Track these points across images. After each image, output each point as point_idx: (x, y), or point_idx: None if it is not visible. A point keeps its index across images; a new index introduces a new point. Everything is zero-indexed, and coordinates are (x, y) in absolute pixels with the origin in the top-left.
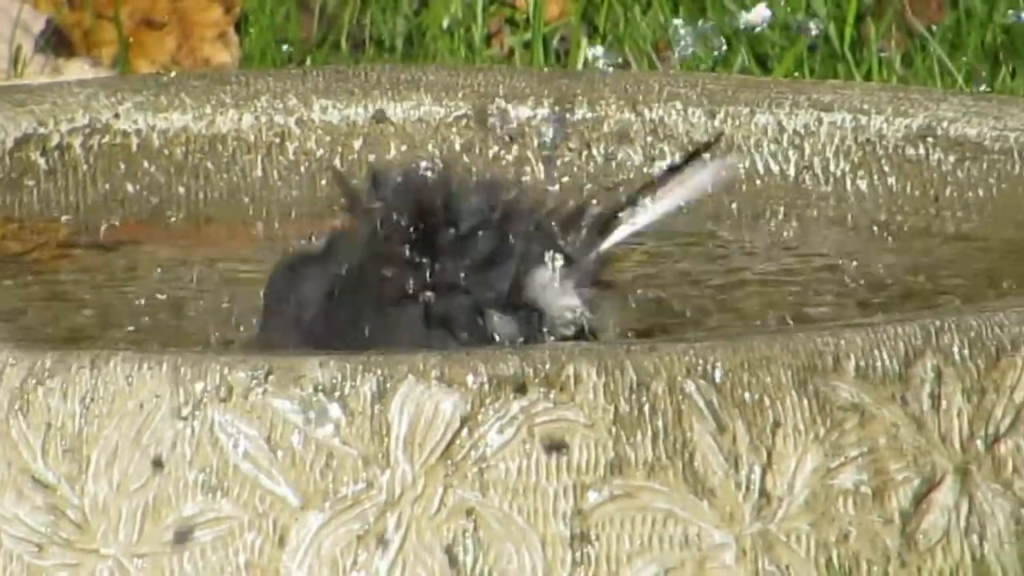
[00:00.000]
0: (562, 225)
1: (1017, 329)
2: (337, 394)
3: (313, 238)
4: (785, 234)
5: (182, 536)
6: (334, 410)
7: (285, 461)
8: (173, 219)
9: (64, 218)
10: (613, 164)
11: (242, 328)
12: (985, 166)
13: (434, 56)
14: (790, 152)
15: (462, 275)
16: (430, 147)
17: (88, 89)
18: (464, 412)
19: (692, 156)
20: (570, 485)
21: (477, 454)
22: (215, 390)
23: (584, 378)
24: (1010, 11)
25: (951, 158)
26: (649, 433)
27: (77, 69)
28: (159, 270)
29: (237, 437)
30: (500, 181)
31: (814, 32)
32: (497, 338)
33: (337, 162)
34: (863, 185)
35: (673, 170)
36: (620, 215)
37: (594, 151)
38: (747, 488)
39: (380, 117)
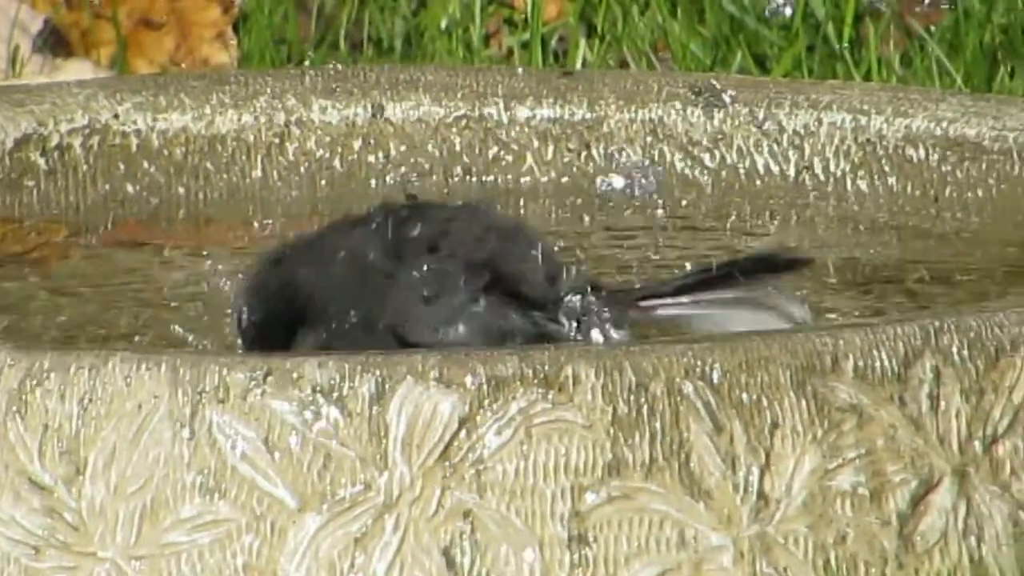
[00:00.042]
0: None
1: (1016, 329)
2: (335, 395)
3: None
4: (785, 234)
5: None
6: (332, 411)
7: (283, 463)
8: (173, 220)
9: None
10: (614, 164)
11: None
12: (984, 166)
13: (432, 56)
14: (790, 152)
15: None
16: (429, 147)
17: (87, 89)
18: (462, 413)
19: (763, 268)
20: (568, 487)
21: (475, 456)
22: (213, 391)
23: (583, 379)
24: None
25: (950, 158)
26: (647, 434)
27: (75, 69)
28: (159, 271)
29: (235, 438)
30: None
31: (788, 13)
32: None
33: (337, 163)
34: (863, 185)
35: (730, 277)
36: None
37: (594, 151)
38: (745, 490)
39: (378, 111)
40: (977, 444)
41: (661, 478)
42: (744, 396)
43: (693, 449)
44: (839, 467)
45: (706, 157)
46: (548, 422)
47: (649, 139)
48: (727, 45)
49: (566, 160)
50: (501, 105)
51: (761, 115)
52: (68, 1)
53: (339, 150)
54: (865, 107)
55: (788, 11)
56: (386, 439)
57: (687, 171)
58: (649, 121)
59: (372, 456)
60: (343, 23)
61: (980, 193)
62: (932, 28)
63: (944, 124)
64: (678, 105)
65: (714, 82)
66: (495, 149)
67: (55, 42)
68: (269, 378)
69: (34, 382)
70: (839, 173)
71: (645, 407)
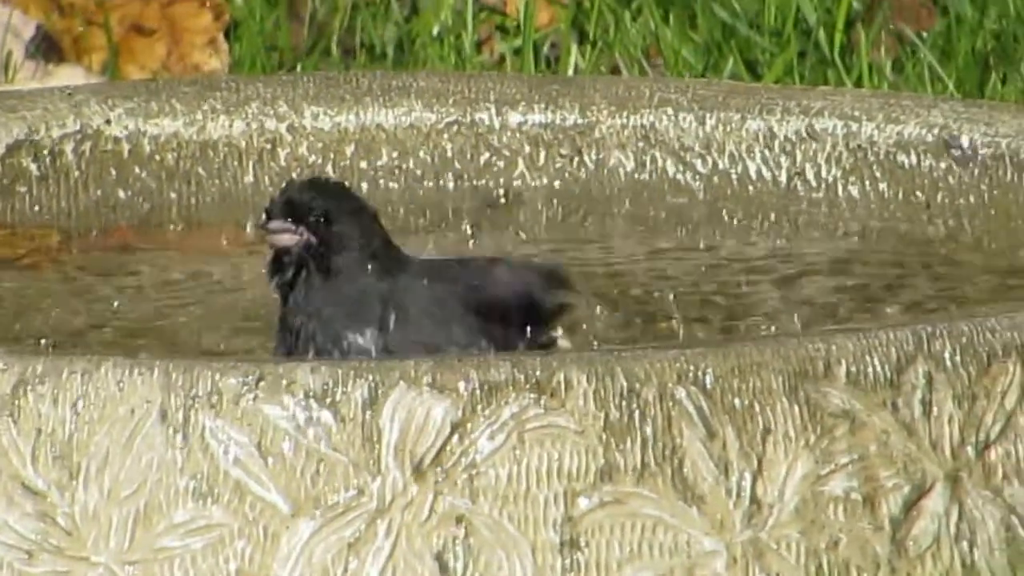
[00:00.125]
0: None
1: (1008, 335)
2: (328, 400)
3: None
4: (777, 240)
5: None
6: (325, 416)
7: (276, 468)
8: (165, 224)
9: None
10: (604, 170)
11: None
12: (976, 172)
13: (424, 63)
14: (781, 158)
15: None
16: (421, 153)
17: (79, 95)
18: (455, 418)
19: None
20: (560, 492)
21: (468, 461)
22: (206, 396)
23: (575, 384)
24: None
25: (942, 164)
26: (639, 440)
27: (67, 75)
28: (150, 275)
29: (228, 443)
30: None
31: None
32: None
33: (329, 168)
34: (855, 191)
35: None
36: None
37: (585, 157)
38: (737, 495)
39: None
40: (969, 449)
41: (653, 483)
42: (737, 401)
43: (686, 454)
44: (832, 472)
45: (698, 163)
46: (540, 427)
47: (641, 144)
48: (719, 51)
49: (558, 165)
50: (493, 111)
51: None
52: (60, 8)
53: (331, 156)
54: (856, 113)
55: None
56: (379, 444)
57: (679, 176)
58: (641, 127)
59: (365, 461)
60: (335, 29)
61: (972, 199)
62: (924, 34)
63: (936, 130)
64: (670, 111)
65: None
66: (487, 155)
67: (47, 48)
68: (262, 383)
69: (27, 387)
70: (831, 179)
71: (637, 412)
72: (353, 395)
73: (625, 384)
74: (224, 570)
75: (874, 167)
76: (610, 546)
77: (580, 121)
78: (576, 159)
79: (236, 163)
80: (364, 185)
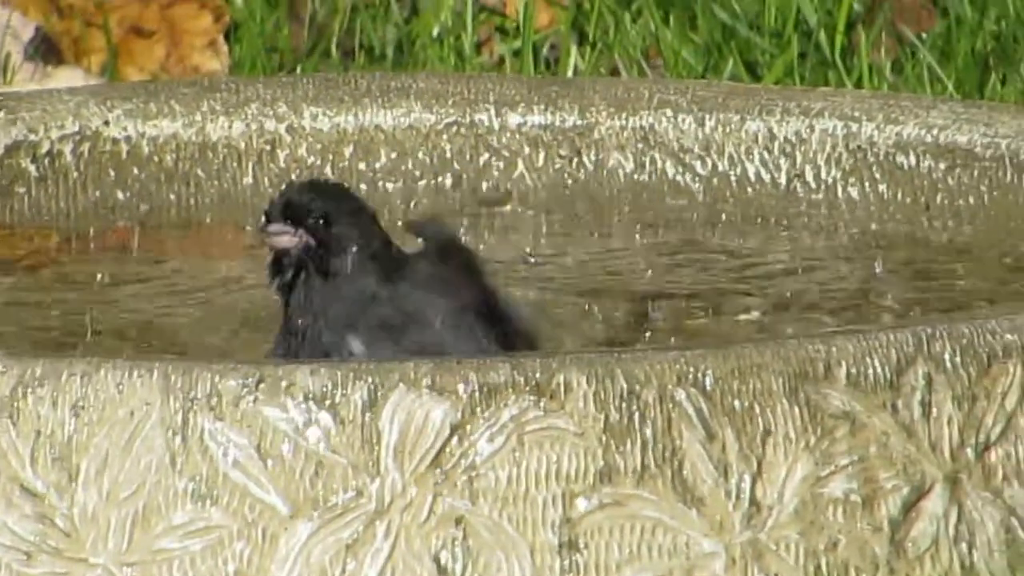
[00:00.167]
0: None
1: (1009, 336)
2: (328, 402)
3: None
4: (776, 242)
5: None
6: (324, 418)
7: (275, 470)
8: (164, 226)
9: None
10: (603, 171)
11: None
12: (976, 173)
13: (424, 64)
14: (781, 160)
15: None
16: (420, 154)
17: (78, 97)
18: (454, 420)
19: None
20: (559, 493)
21: (467, 462)
22: (205, 398)
23: (574, 386)
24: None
25: (942, 165)
26: (639, 441)
27: (66, 77)
28: (150, 277)
29: (227, 445)
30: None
31: None
32: None
33: (327, 170)
34: (854, 193)
35: None
36: None
37: (584, 158)
38: (737, 497)
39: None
40: (969, 451)
41: (653, 485)
42: (736, 403)
43: (685, 456)
44: (831, 474)
45: (697, 164)
46: (540, 429)
47: (640, 146)
48: (719, 52)
49: (557, 167)
50: (492, 112)
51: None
52: (60, 9)
53: (330, 157)
54: (856, 114)
55: None
56: (378, 446)
57: (678, 178)
58: (640, 128)
59: (364, 463)
60: (335, 31)
61: (972, 200)
62: (923, 35)
63: (935, 131)
64: (669, 112)
65: None
66: (486, 156)
67: (46, 50)
68: (261, 385)
69: (26, 389)
70: (830, 180)
71: (637, 414)
72: (352, 397)
73: (625, 386)
74: (223, 572)
75: (873, 168)
76: (609, 548)
77: (579, 122)
78: (575, 160)
79: (235, 164)
80: (363, 186)
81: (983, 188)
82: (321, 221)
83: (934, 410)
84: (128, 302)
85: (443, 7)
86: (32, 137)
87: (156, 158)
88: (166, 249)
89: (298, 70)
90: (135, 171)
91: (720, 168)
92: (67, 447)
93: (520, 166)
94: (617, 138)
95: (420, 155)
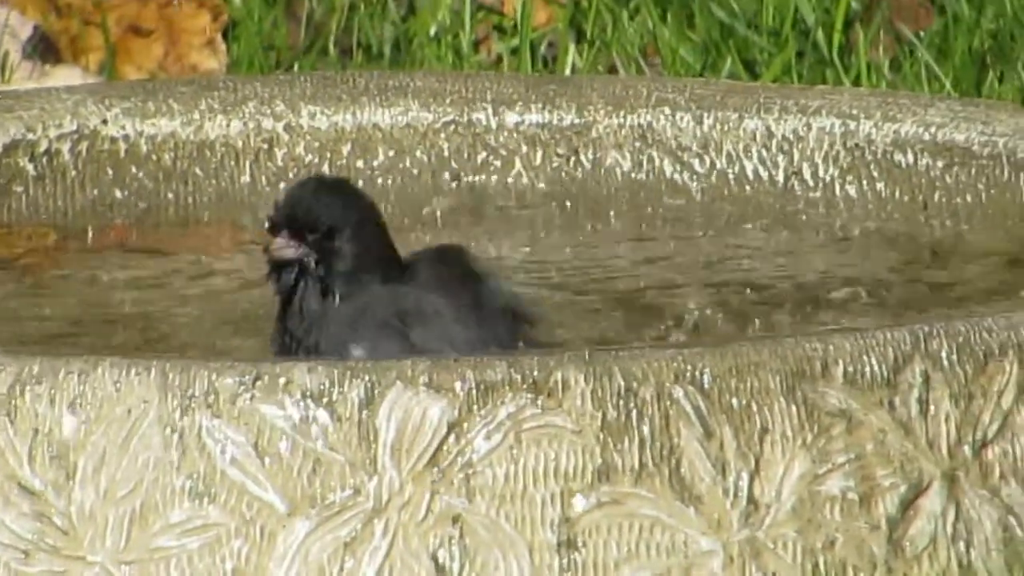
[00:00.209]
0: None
1: (1005, 334)
2: (325, 400)
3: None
4: (774, 240)
5: None
6: (322, 416)
7: (273, 467)
8: (162, 224)
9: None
10: (601, 170)
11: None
12: (973, 171)
13: (422, 62)
14: (779, 158)
15: None
16: (418, 152)
17: (76, 95)
18: (452, 418)
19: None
20: (557, 492)
21: (464, 460)
22: (203, 396)
23: (572, 384)
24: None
25: (939, 163)
26: (637, 439)
27: (64, 75)
28: (147, 275)
29: (225, 443)
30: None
31: None
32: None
33: (325, 168)
34: (852, 190)
35: None
36: None
37: (582, 156)
38: (734, 495)
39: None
40: (966, 448)
41: (651, 483)
42: (734, 401)
43: (683, 454)
44: (828, 472)
45: (695, 162)
46: (537, 427)
47: (638, 144)
48: (717, 51)
49: (555, 165)
50: (490, 110)
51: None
52: (58, 8)
53: (328, 155)
54: (854, 112)
55: None
56: (375, 444)
57: (676, 176)
58: (638, 126)
59: (361, 461)
60: (332, 29)
61: (969, 198)
62: (921, 33)
63: (933, 129)
64: (667, 110)
65: None
66: (484, 154)
67: (44, 48)
68: (259, 383)
69: (24, 387)
70: (828, 178)
71: (635, 412)
72: (350, 395)
73: (623, 384)
74: (220, 569)
75: (871, 166)
76: (607, 546)
77: (577, 121)
78: (573, 159)
79: (233, 163)
80: (360, 184)
81: (980, 186)
82: (322, 236)
83: (931, 408)
84: (125, 300)
85: (440, 5)
86: (30, 136)
87: (154, 157)
88: (164, 247)
89: (296, 69)
90: (133, 170)
91: (718, 166)
92: (65, 445)
93: (518, 164)
94: (615, 136)
95: (418, 153)
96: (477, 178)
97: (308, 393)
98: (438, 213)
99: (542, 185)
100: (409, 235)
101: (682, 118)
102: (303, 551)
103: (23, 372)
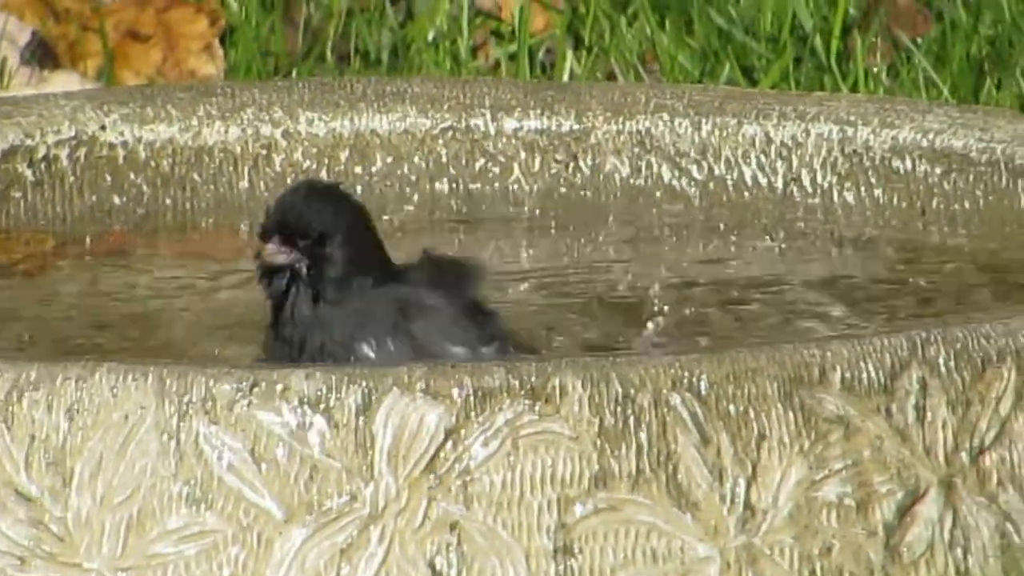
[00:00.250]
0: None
1: (1003, 340)
2: (322, 406)
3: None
4: (772, 246)
5: None
6: (319, 422)
7: (269, 474)
8: (160, 230)
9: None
10: (600, 176)
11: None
12: (971, 178)
13: (419, 68)
14: (777, 164)
15: None
16: (416, 159)
17: (74, 101)
18: (449, 424)
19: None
20: (554, 498)
21: (461, 467)
22: (200, 402)
23: (569, 390)
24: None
25: (937, 170)
26: (634, 446)
27: (63, 81)
28: (145, 281)
29: (222, 450)
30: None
31: None
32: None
33: (323, 174)
34: (850, 197)
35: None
36: None
37: (581, 163)
38: (731, 501)
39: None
40: (963, 455)
41: (648, 490)
42: (731, 408)
43: (680, 461)
44: (825, 478)
45: (693, 169)
46: (535, 433)
47: (636, 150)
48: (715, 57)
49: (553, 171)
50: (488, 116)
51: None
52: (56, 14)
53: (326, 161)
54: (852, 118)
55: None
56: (372, 450)
57: (674, 182)
58: (636, 132)
59: (358, 467)
60: (330, 35)
61: (967, 205)
62: (919, 40)
63: (931, 135)
64: (665, 116)
65: None
66: (482, 160)
67: (43, 54)
68: (256, 389)
69: (21, 393)
70: (826, 185)
71: (632, 418)
72: (347, 401)
73: (620, 390)
74: None
75: (869, 172)
76: (604, 552)
77: (575, 127)
78: (571, 165)
79: (231, 169)
80: (358, 189)
81: (978, 193)
82: (314, 242)
83: (928, 414)
84: (123, 306)
85: (439, 11)
86: (28, 142)
87: (152, 163)
88: (162, 253)
89: (294, 74)
90: (131, 176)
91: (716, 172)
92: (61, 451)
93: (516, 171)
94: (613, 142)
95: (416, 160)
96: (475, 184)
97: (305, 399)
98: (435, 219)
99: (540, 191)
100: (405, 241)
101: (680, 124)
102: (300, 558)
103: (20, 378)
